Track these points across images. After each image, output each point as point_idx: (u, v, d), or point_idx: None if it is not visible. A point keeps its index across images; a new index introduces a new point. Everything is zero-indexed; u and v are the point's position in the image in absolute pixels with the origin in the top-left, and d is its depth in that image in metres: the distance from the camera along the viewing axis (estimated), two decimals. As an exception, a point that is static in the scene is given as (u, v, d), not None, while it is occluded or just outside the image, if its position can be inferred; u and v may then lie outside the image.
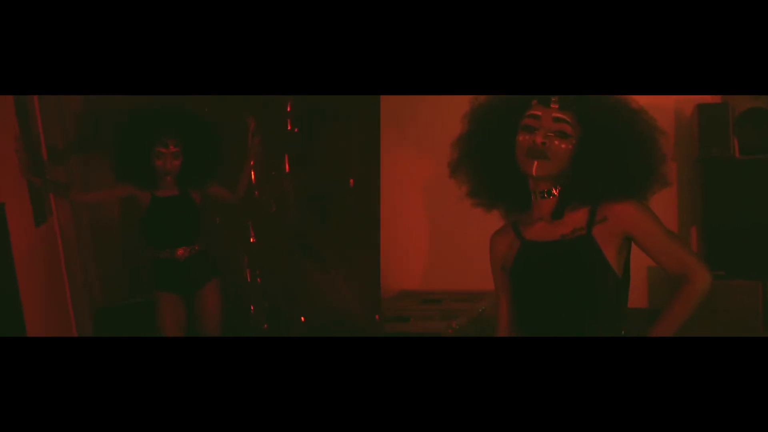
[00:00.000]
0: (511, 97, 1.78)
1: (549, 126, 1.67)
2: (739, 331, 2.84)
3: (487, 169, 1.79)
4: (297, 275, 3.68)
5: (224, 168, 2.94)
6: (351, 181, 3.64)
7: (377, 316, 3.30)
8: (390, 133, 3.73)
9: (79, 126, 3.39)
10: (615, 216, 1.66)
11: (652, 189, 1.69)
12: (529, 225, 1.77)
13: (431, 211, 3.71)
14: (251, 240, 3.70)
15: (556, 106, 1.68)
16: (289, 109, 3.70)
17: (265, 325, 3.67)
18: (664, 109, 2.90)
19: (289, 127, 3.72)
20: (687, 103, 3.33)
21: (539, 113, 1.68)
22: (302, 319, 3.65)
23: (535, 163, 1.67)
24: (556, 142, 1.66)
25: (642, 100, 1.73)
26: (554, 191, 1.71)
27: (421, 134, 3.47)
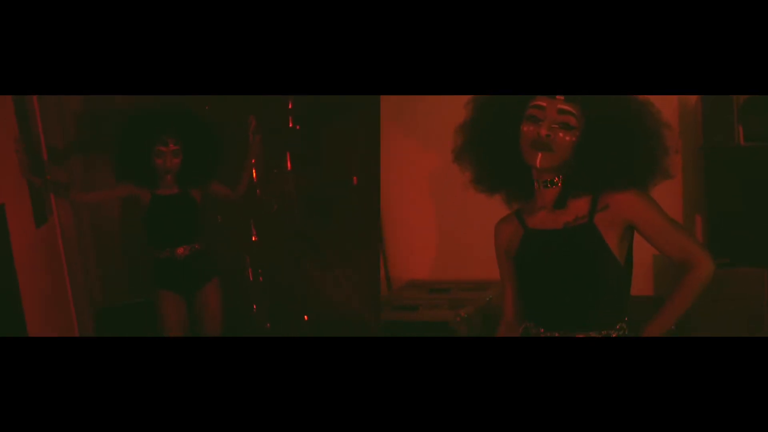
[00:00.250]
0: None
1: (554, 117, 1.68)
2: (744, 318, 2.84)
3: (491, 156, 1.80)
4: (299, 274, 3.67)
5: (225, 166, 2.92)
6: (354, 178, 3.63)
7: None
8: (393, 123, 3.73)
9: (79, 126, 3.39)
10: (616, 204, 1.67)
11: (655, 180, 1.69)
12: (532, 213, 1.80)
13: (438, 201, 3.72)
14: (253, 239, 3.68)
15: (562, 98, 1.69)
16: (290, 107, 3.69)
17: (268, 325, 3.66)
18: (668, 96, 2.89)
19: (290, 125, 3.71)
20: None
21: (544, 104, 1.69)
22: (305, 317, 3.64)
23: (540, 155, 1.68)
24: (561, 134, 1.67)
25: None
26: (557, 180, 1.73)
27: (425, 124, 3.47)
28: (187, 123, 2.77)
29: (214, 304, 2.88)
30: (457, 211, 3.38)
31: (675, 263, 1.67)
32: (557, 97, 1.69)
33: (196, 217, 2.87)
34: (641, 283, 2.65)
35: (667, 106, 1.89)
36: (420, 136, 3.67)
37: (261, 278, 3.68)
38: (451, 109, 1.85)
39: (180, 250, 2.81)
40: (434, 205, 3.75)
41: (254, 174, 3.52)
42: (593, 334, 1.70)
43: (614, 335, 1.71)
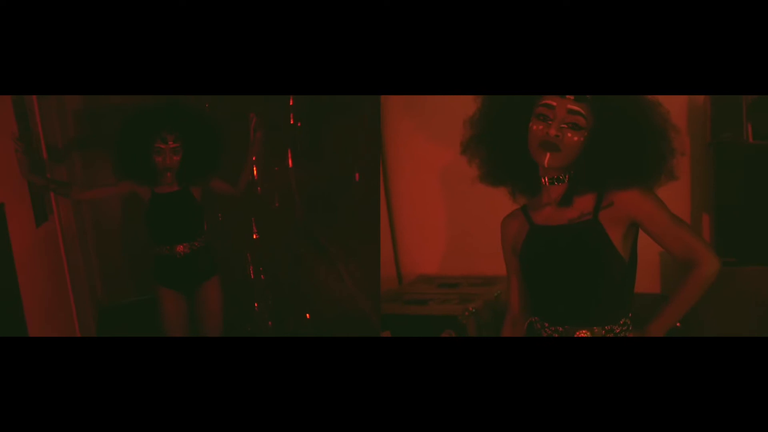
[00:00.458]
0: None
1: (563, 117, 1.68)
2: (752, 317, 2.83)
3: (498, 151, 1.81)
4: (301, 271, 3.66)
5: (226, 164, 2.90)
6: (357, 175, 3.61)
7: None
8: (404, 118, 3.72)
9: (78, 124, 3.37)
10: (621, 202, 1.68)
11: (659, 181, 1.70)
12: (538, 209, 1.82)
13: (448, 197, 3.74)
14: (254, 236, 3.67)
15: (572, 97, 1.69)
16: (291, 103, 3.66)
17: (270, 323, 3.65)
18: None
19: (291, 122, 3.68)
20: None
21: (554, 103, 1.70)
22: (307, 316, 3.63)
23: (548, 155, 1.70)
24: (569, 134, 1.68)
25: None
26: (563, 178, 1.75)
27: (436, 119, 3.48)
28: (187, 120, 2.75)
29: (215, 303, 2.87)
30: (468, 208, 3.39)
31: (679, 261, 1.68)
32: (567, 96, 1.69)
33: (196, 214, 2.85)
34: (648, 281, 2.67)
35: (675, 102, 1.89)
36: (431, 131, 3.67)
37: (262, 276, 3.67)
38: (462, 104, 1.85)
39: (180, 248, 2.79)
40: (444, 201, 3.76)
41: (255, 171, 3.50)
42: (597, 329, 1.72)
43: (618, 330, 1.72)
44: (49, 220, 2.90)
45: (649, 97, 1.71)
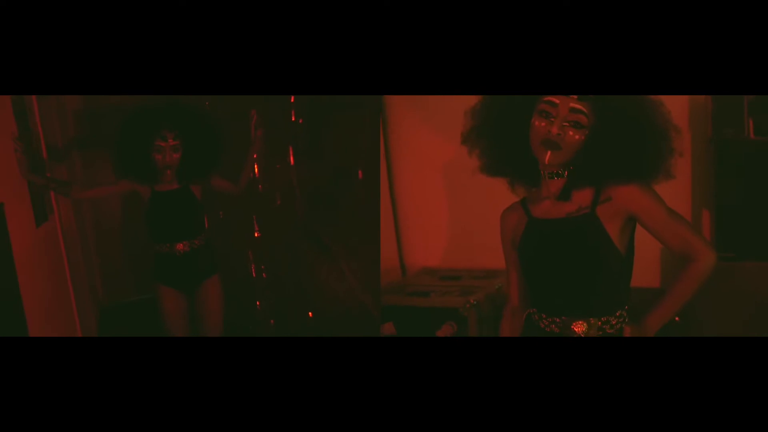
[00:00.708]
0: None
1: (565, 115, 1.69)
2: (751, 312, 2.84)
3: (499, 143, 1.83)
4: (303, 269, 3.65)
5: (226, 161, 2.89)
6: (360, 172, 3.60)
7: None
8: (408, 111, 3.72)
9: (78, 123, 3.37)
10: (619, 197, 1.70)
11: (657, 180, 1.71)
12: (536, 203, 1.84)
13: (451, 192, 3.76)
14: (255, 234, 3.66)
15: (575, 96, 1.70)
16: (292, 100, 3.65)
17: (272, 321, 3.65)
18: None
19: (293, 119, 3.67)
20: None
21: (557, 101, 1.70)
22: (310, 314, 3.62)
23: (549, 153, 1.71)
24: (571, 133, 1.70)
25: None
26: (563, 172, 1.76)
27: (440, 112, 3.48)
28: (187, 118, 2.73)
29: (215, 301, 2.86)
30: (471, 202, 3.42)
31: (676, 255, 1.69)
32: (570, 95, 1.69)
33: (196, 213, 2.84)
34: (648, 276, 2.67)
35: (676, 99, 1.90)
36: (435, 125, 3.67)
37: (264, 274, 3.66)
38: (466, 97, 1.86)
39: (180, 246, 2.78)
40: (448, 195, 3.79)
41: (256, 169, 3.49)
42: (593, 321, 1.74)
43: (614, 322, 1.75)
44: (50, 219, 2.89)
45: (654, 97, 1.72)
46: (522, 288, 1.95)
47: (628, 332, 1.73)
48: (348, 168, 3.63)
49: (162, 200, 2.77)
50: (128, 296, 3.40)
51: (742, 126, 2.97)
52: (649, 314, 1.71)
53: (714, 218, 3.10)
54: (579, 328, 1.75)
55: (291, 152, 3.71)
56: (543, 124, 1.70)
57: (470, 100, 1.85)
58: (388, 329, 3.19)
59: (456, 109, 1.90)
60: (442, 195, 3.78)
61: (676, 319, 1.75)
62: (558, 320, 1.78)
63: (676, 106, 1.75)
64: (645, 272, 1.82)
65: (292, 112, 3.67)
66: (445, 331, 3.05)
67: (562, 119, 1.69)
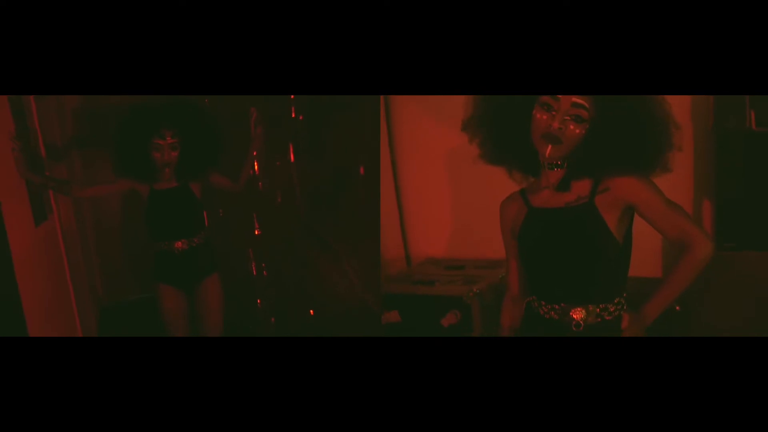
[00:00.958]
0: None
1: (567, 110, 1.71)
2: (752, 301, 2.83)
3: (499, 131, 1.85)
4: (304, 267, 3.64)
5: (226, 159, 2.88)
6: (361, 168, 3.59)
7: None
8: (410, 101, 3.74)
9: (77, 122, 3.36)
10: (617, 187, 1.72)
11: (654, 173, 1.73)
12: (536, 192, 1.87)
13: (456, 182, 3.80)
14: (256, 232, 3.65)
15: None
16: (292, 97, 3.64)
17: (273, 319, 3.64)
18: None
19: (293, 115, 3.66)
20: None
21: (559, 95, 1.72)
22: (311, 312, 3.62)
23: (550, 147, 1.73)
24: (572, 127, 1.71)
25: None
26: (562, 163, 1.78)
27: (442, 102, 3.49)
28: (185, 116, 2.73)
29: (214, 300, 2.86)
30: (475, 194, 3.43)
31: (674, 244, 1.71)
32: None
33: (195, 211, 2.84)
34: (650, 266, 2.69)
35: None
36: (439, 115, 3.67)
37: (265, 273, 3.65)
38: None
39: (178, 244, 2.78)
40: (452, 187, 3.83)
41: (256, 167, 3.48)
42: (591, 308, 1.77)
43: (612, 309, 1.78)
44: (49, 219, 2.88)
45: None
46: (522, 276, 1.98)
47: (626, 319, 1.76)
48: (349, 165, 3.61)
49: (161, 198, 2.76)
50: (129, 295, 3.39)
51: (744, 117, 2.96)
52: (647, 302, 1.74)
53: (715, 208, 3.09)
54: (578, 314, 1.78)
55: (291, 149, 3.69)
56: (544, 117, 1.73)
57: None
58: (393, 317, 3.23)
59: (461, 99, 1.91)
60: (446, 187, 3.83)
61: (677, 308, 1.78)
62: (557, 307, 1.81)
63: (678, 97, 1.77)
64: (646, 262, 1.85)
65: (292, 109, 3.65)
66: (449, 319, 3.11)
67: (563, 113, 1.71)
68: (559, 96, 1.71)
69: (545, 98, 1.72)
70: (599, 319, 1.78)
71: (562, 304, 1.79)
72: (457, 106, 1.92)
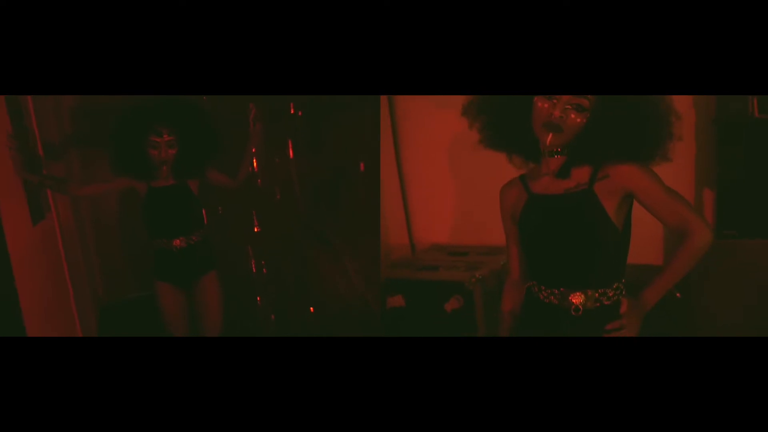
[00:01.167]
0: None
1: (568, 98, 1.73)
2: (753, 290, 2.84)
3: (499, 117, 1.86)
4: (304, 264, 3.63)
5: (224, 156, 2.87)
6: (362, 164, 3.57)
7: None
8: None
9: (74, 120, 3.35)
10: (617, 175, 1.74)
11: (653, 162, 1.74)
12: (536, 179, 1.89)
13: (460, 170, 3.85)
14: (255, 230, 3.64)
15: None
16: (291, 93, 3.62)
17: (273, 316, 3.63)
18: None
19: (292, 111, 3.64)
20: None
21: None
22: (311, 309, 3.60)
23: (550, 135, 1.75)
24: (573, 116, 1.73)
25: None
26: (563, 150, 1.80)
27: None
28: (182, 113, 2.72)
29: (213, 298, 2.85)
30: (478, 181, 3.45)
31: (673, 232, 1.73)
32: None
33: (193, 208, 2.83)
34: (652, 253, 2.72)
35: None
36: (442, 103, 3.68)
37: (264, 270, 3.64)
38: None
39: (176, 242, 2.77)
40: (456, 176, 3.89)
41: (255, 163, 3.47)
42: (590, 292, 1.80)
43: (611, 294, 1.80)
44: (47, 218, 2.87)
45: None
46: (522, 262, 2.01)
47: (625, 305, 1.77)
48: (348, 161, 3.60)
49: (158, 196, 2.75)
50: (129, 294, 3.38)
51: (747, 104, 2.94)
52: (646, 288, 1.75)
53: (716, 196, 3.08)
54: (577, 299, 1.81)
55: (290, 145, 3.68)
56: (546, 105, 1.74)
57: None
58: (397, 301, 3.31)
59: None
60: (450, 175, 3.90)
61: (677, 295, 1.79)
62: (556, 292, 1.83)
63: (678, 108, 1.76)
64: (648, 250, 1.87)
65: (291, 105, 3.64)
66: (452, 304, 3.19)
67: (564, 102, 1.73)
68: None
69: None
70: (598, 304, 1.80)
71: (562, 289, 1.82)
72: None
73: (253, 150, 2.96)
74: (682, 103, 1.75)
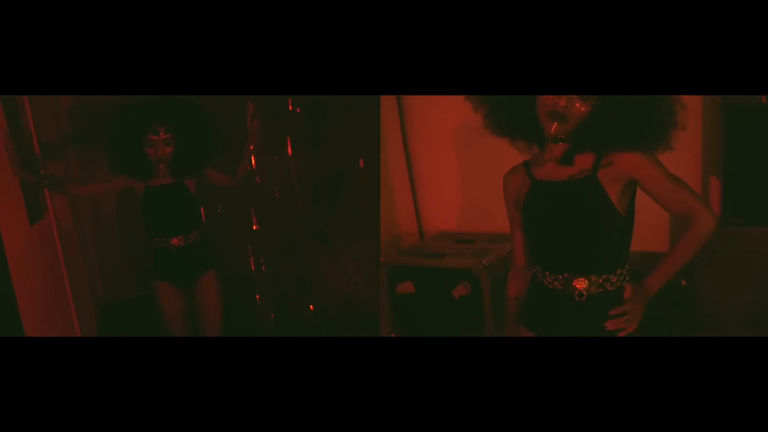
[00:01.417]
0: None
1: None
2: (756, 277, 2.86)
3: (503, 103, 1.87)
4: (303, 262, 3.62)
5: (222, 154, 2.86)
6: (361, 161, 3.56)
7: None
8: None
9: (72, 120, 3.33)
10: (620, 162, 1.74)
11: (656, 150, 1.74)
12: (539, 165, 1.90)
13: (467, 158, 3.91)
14: (254, 228, 3.62)
15: None
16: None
17: (272, 315, 3.61)
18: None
19: (290, 108, 3.63)
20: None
21: None
22: (311, 307, 3.59)
23: (555, 124, 1.76)
24: (578, 105, 1.74)
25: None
26: (567, 137, 1.80)
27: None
28: (179, 111, 2.71)
29: (212, 297, 2.84)
30: (485, 172, 3.47)
31: (677, 218, 1.73)
32: None
33: (191, 207, 2.82)
34: (657, 241, 2.73)
35: None
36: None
37: (264, 268, 3.63)
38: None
39: (174, 241, 2.76)
40: (463, 164, 3.94)
41: (253, 161, 3.45)
42: (594, 278, 1.81)
43: (614, 280, 1.82)
44: (44, 218, 2.86)
45: None
46: (527, 248, 2.03)
47: (628, 290, 1.79)
48: (348, 158, 3.59)
49: (156, 195, 2.74)
50: (129, 293, 3.37)
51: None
52: (650, 275, 1.77)
53: (722, 183, 3.06)
54: (580, 284, 1.82)
55: (289, 143, 3.67)
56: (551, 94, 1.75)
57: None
58: (406, 288, 3.38)
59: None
60: (458, 164, 3.95)
61: (683, 282, 1.79)
62: (560, 277, 1.85)
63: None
64: (654, 237, 1.87)
65: (290, 102, 3.62)
66: (460, 290, 3.27)
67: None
68: None
69: None
70: (601, 290, 1.82)
71: (566, 275, 1.84)
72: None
73: (252, 147, 2.94)
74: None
